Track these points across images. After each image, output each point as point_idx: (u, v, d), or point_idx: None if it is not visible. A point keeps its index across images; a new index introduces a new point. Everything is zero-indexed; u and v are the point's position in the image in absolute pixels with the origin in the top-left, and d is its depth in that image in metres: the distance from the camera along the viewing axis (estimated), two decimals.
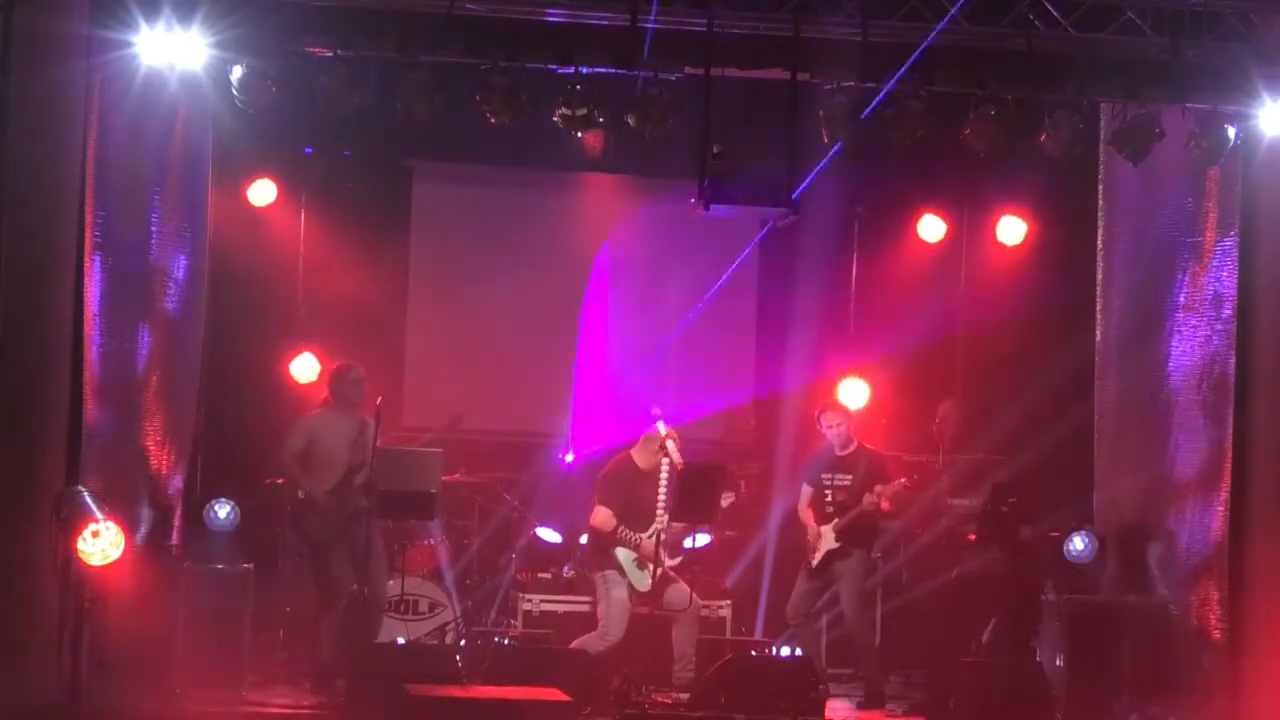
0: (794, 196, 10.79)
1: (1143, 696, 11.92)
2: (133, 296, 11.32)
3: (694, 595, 11.93)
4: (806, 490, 12.43)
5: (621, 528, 11.88)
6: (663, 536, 11.82)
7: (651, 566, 11.78)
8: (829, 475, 12.32)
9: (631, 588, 11.84)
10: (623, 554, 11.88)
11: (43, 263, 10.30)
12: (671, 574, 11.92)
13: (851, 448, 12.36)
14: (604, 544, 11.96)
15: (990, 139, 11.22)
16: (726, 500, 12.95)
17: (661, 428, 12.00)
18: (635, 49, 10.78)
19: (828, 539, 12.19)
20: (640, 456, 12.05)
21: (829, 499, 12.27)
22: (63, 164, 10.38)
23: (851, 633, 12.42)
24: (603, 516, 11.95)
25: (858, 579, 12.26)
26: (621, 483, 12.02)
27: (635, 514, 11.92)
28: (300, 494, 11.95)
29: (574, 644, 11.84)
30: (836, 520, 12.17)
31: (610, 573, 11.89)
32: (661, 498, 11.87)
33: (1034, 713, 11.47)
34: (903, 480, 12.24)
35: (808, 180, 10.95)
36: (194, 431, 12.17)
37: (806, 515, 12.35)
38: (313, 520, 11.90)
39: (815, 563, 12.23)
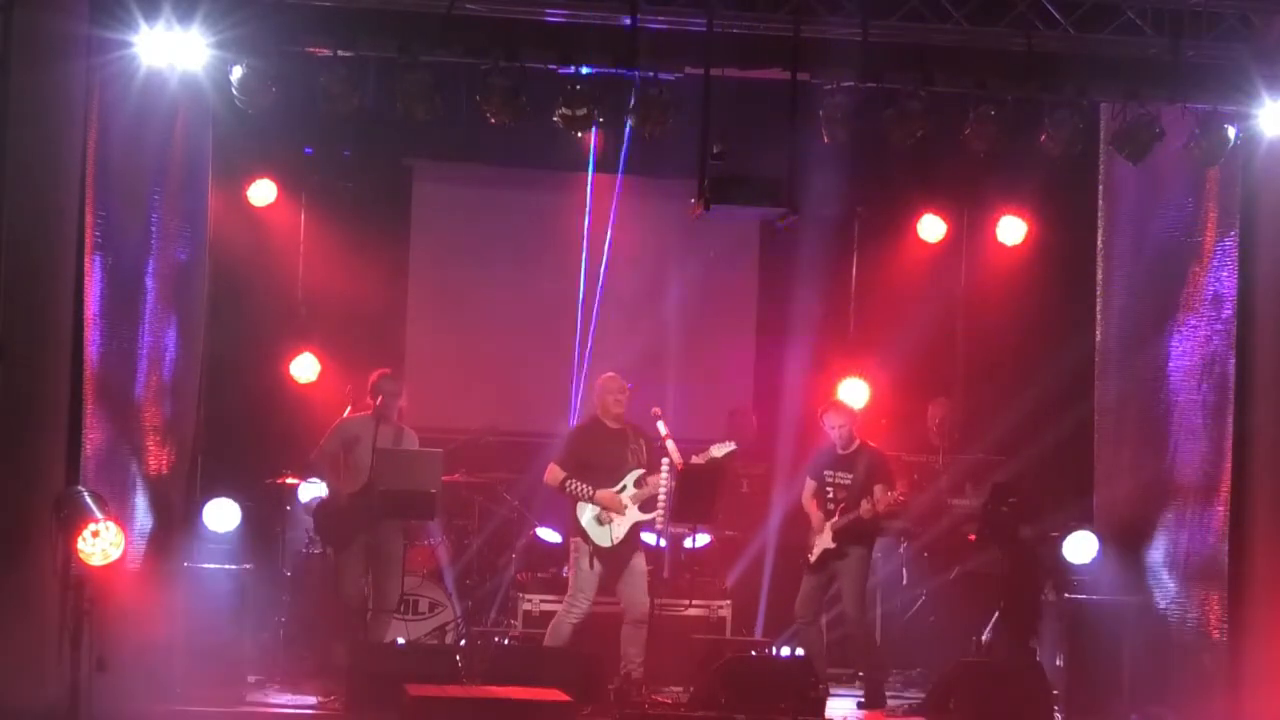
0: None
1: (1143, 696, 11.93)
2: (133, 296, 11.31)
3: (651, 601, 11.82)
4: (810, 483, 12.46)
5: (570, 480, 11.77)
6: (633, 491, 11.74)
7: (617, 521, 11.70)
8: (831, 472, 12.33)
9: (598, 554, 11.72)
10: (584, 513, 11.77)
11: (43, 263, 10.28)
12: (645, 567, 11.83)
13: (854, 446, 12.35)
14: (568, 504, 11.85)
15: (990, 139, 11.22)
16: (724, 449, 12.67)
17: (661, 427, 12.00)
18: (635, 49, 10.77)
19: (825, 538, 12.19)
20: (608, 417, 11.95)
21: (830, 495, 12.28)
22: (63, 164, 10.36)
23: (852, 631, 12.40)
24: (550, 473, 11.90)
25: (858, 577, 12.26)
26: (579, 440, 11.99)
27: (597, 471, 11.80)
28: (314, 494, 12.02)
29: (549, 628, 11.81)
30: (834, 519, 12.18)
31: (578, 539, 11.82)
32: (662, 496, 11.89)
33: (1034, 713, 11.47)
34: (900, 496, 12.26)
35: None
36: (194, 431, 12.17)
37: (810, 506, 12.36)
38: (333, 521, 11.92)
39: (813, 559, 12.24)
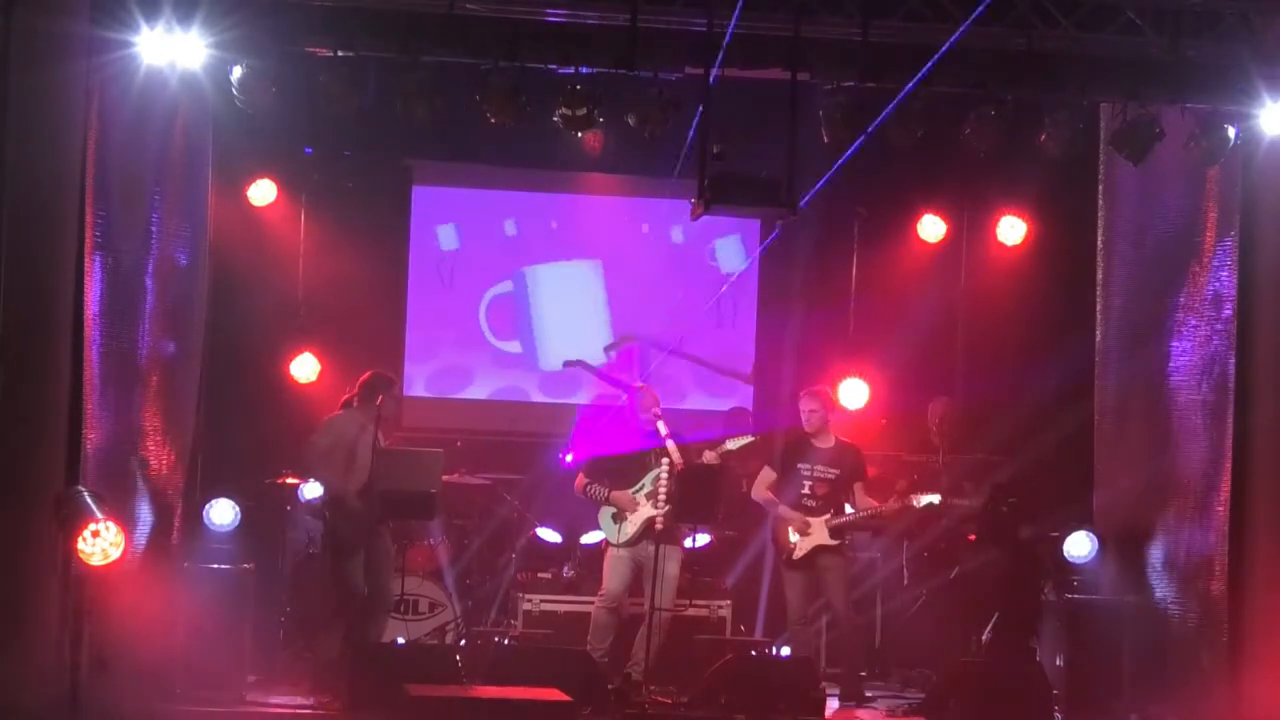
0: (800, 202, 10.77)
1: (1143, 696, 11.92)
2: (133, 296, 11.31)
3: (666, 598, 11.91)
4: (767, 474, 12.35)
5: (590, 485, 12.12)
6: (648, 489, 11.97)
7: (631, 519, 11.94)
8: (807, 466, 12.25)
9: (613, 548, 12.00)
10: (604, 511, 12.10)
11: (43, 263, 10.29)
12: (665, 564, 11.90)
13: (832, 441, 12.31)
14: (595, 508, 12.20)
15: (990, 139, 11.22)
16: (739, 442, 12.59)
17: (661, 427, 12.02)
18: (635, 49, 10.77)
19: (819, 533, 12.13)
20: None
21: (808, 491, 12.21)
22: (63, 164, 10.36)
23: (842, 623, 12.33)
24: (576, 482, 12.27)
25: (845, 573, 12.27)
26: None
27: (621, 475, 12.11)
28: (317, 494, 12.03)
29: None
30: (829, 516, 12.13)
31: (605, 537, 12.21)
32: (663, 494, 11.89)
33: (1034, 713, 11.47)
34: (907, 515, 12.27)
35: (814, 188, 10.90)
36: (194, 431, 12.16)
37: (764, 496, 12.30)
38: (342, 520, 11.90)
39: (798, 556, 12.17)
